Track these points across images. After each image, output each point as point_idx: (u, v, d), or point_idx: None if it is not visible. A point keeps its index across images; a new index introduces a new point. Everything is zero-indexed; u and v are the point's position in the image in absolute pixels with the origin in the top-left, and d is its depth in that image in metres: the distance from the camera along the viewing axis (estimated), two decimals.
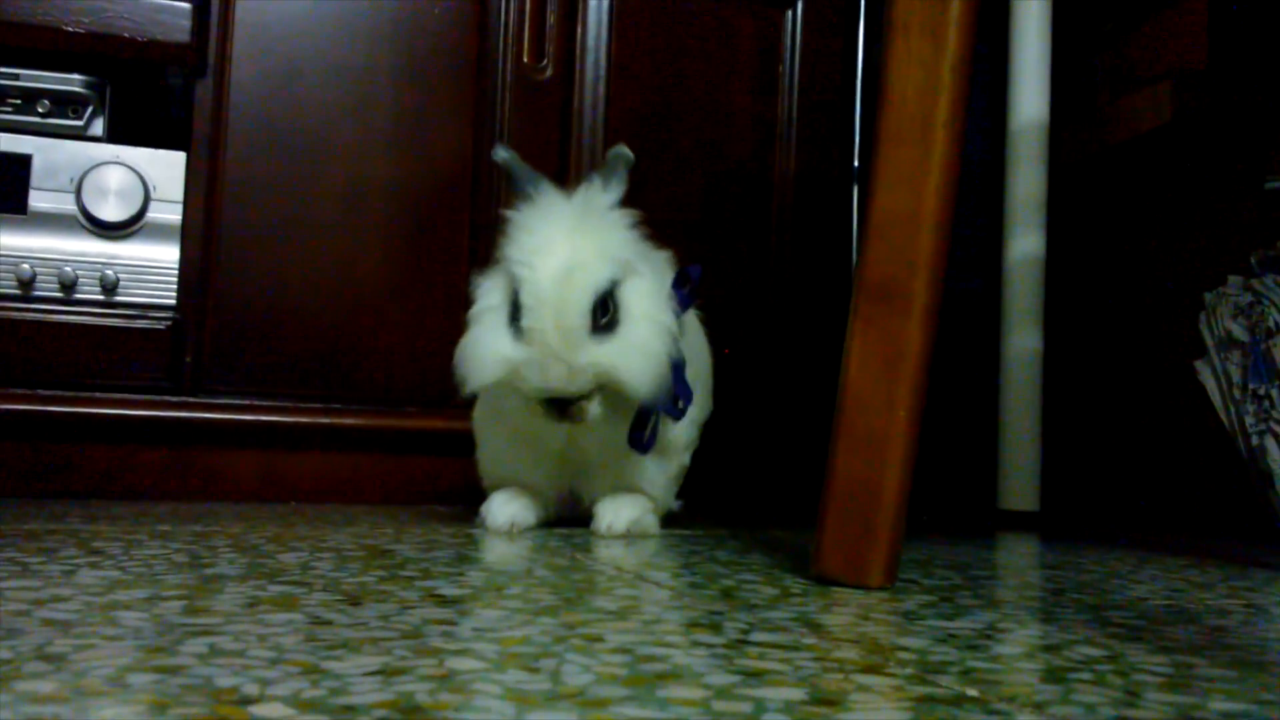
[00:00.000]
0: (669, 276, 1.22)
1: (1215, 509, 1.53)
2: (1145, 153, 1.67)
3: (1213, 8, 1.54)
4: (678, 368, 1.17)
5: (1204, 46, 1.55)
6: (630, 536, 1.19)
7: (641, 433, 1.20)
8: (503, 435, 1.26)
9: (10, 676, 0.48)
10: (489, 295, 1.17)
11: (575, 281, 1.10)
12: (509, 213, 1.19)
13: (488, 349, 1.13)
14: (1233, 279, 1.52)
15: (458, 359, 1.17)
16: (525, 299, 1.10)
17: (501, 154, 1.22)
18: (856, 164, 1.78)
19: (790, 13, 1.79)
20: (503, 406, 1.21)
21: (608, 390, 1.12)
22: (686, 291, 1.23)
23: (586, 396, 1.11)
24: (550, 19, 1.66)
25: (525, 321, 1.09)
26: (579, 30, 1.68)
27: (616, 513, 1.21)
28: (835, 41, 1.80)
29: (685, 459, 1.33)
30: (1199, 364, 1.56)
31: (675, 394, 1.17)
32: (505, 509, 1.22)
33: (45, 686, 0.46)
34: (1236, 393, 1.49)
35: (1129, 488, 1.69)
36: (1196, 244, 1.59)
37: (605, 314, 1.11)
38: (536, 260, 1.10)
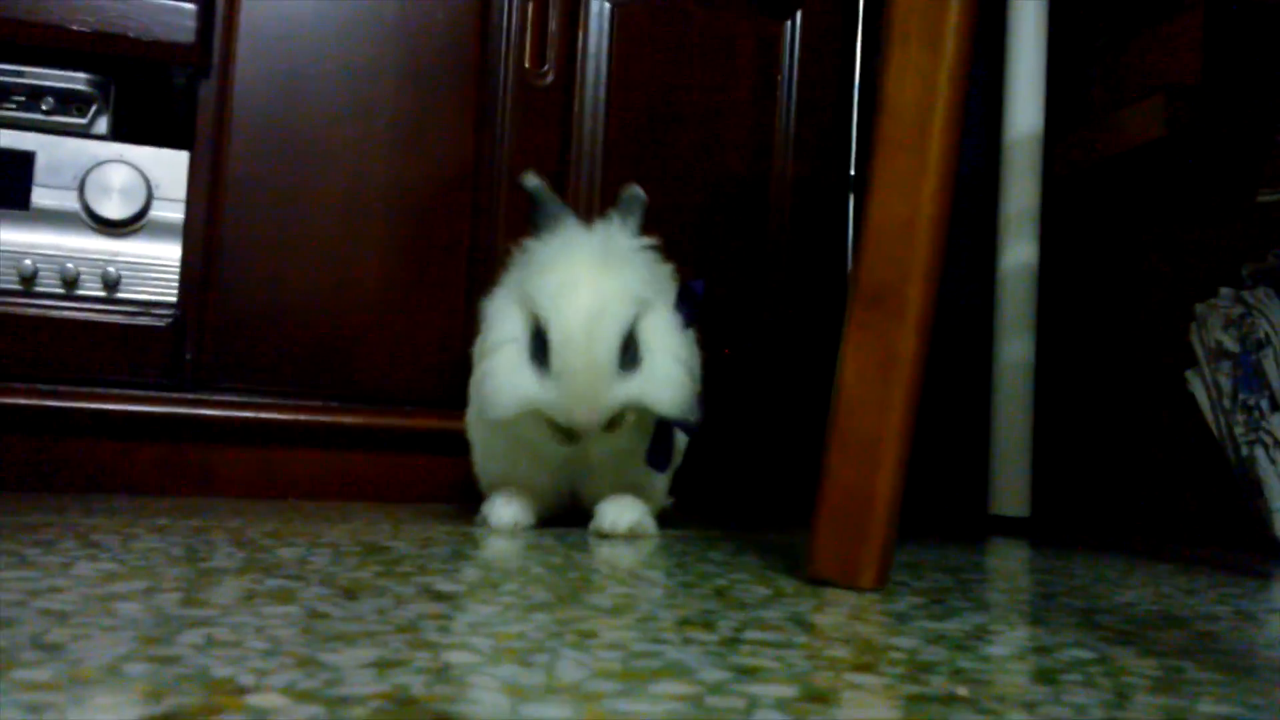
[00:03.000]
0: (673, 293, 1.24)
1: (1204, 517, 1.53)
2: (1139, 165, 1.68)
3: (1207, 23, 1.55)
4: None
5: (1198, 61, 1.56)
6: (633, 536, 1.20)
7: (658, 453, 1.21)
8: (499, 439, 1.27)
9: (6, 665, 0.48)
10: (505, 324, 1.17)
11: (603, 324, 1.11)
12: (529, 242, 1.20)
13: (511, 385, 1.13)
14: (1224, 291, 1.53)
15: (477, 390, 1.19)
16: (554, 339, 1.11)
17: (531, 181, 1.23)
18: (853, 172, 1.79)
19: (789, 23, 1.80)
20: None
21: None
22: (690, 308, 1.24)
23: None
24: (552, 25, 1.67)
25: (555, 364, 1.11)
26: (580, 37, 1.68)
27: (619, 513, 1.21)
28: (833, 51, 1.81)
29: (677, 461, 1.35)
30: (1190, 374, 1.57)
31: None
32: (507, 509, 1.23)
33: (41, 674, 0.46)
34: (1226, 402, 1.50)
35: (1119, 495, 1.70)
36: (1188, 256, 1.60)
37: (628, 352, 1.13)
38: (563, 300, 1.11)
